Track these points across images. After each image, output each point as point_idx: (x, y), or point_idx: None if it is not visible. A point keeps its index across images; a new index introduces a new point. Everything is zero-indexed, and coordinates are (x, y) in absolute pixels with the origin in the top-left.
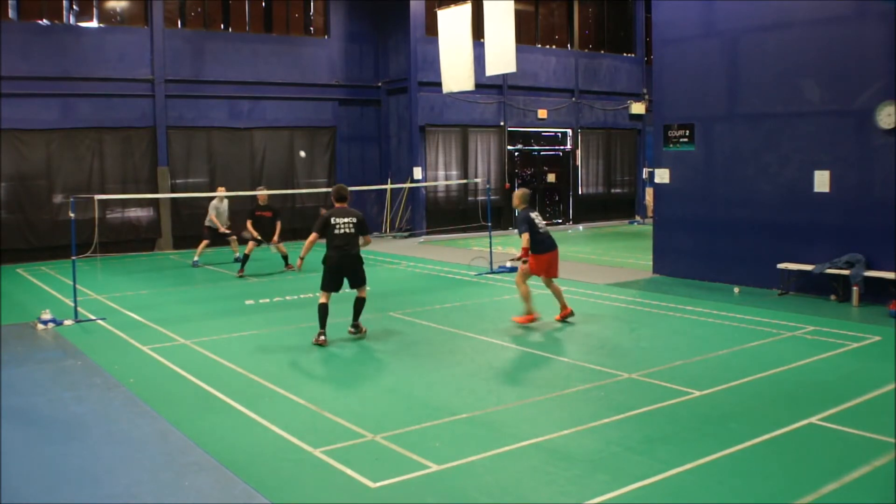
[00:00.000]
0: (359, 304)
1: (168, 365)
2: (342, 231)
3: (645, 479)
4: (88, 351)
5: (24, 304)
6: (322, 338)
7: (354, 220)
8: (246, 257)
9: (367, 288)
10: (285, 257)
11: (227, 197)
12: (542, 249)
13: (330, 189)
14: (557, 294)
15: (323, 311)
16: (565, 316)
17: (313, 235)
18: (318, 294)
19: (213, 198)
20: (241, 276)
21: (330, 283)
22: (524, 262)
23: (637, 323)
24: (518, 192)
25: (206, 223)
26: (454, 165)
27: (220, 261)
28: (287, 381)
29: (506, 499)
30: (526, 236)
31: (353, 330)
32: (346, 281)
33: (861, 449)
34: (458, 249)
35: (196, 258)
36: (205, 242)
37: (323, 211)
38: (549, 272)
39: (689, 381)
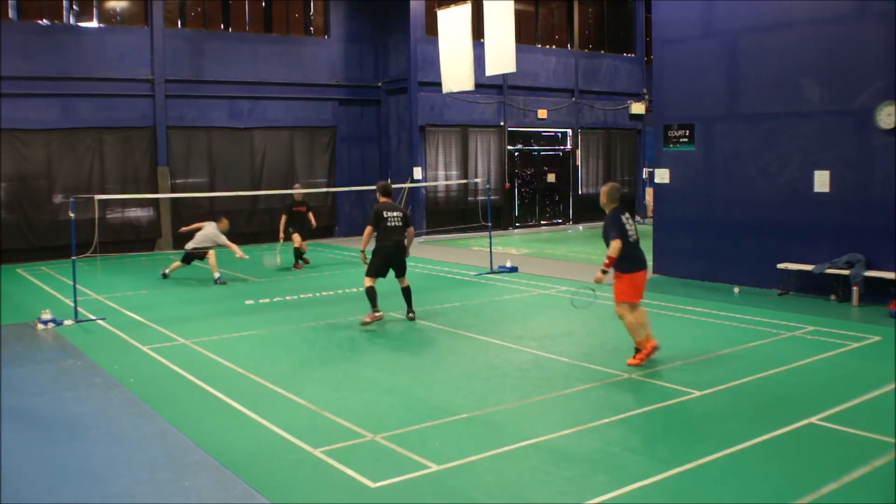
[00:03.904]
0: (408, 293)
1: (168, 365)
2: (392, 224)
3: (645, 479)
4: (88, 351)
5: (24, 304)
6: (378, 314)
7: (401, 214)
8: (297, 251)
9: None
10: (301, 254)
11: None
12: (632, 266)
13: (330, 189)
14: (643, 324)
15: (372, 293)
16: (648, 354)
17: (369, 229)
18: (319, 294)
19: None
20: (298, 268)
21: (379, 271)
22: (604, 272)
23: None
24: (605, 188)
25: (190, 246)
26: (454, 165)
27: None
28: (287, 381)
29: (506, 499)
30: (617, 244)
31: (412, 315)
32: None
33: (861, 449)
34: (458, 249)
35: (167, 271)
36: (179, 264)
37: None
38: (638, 295)
39: (689, 381)
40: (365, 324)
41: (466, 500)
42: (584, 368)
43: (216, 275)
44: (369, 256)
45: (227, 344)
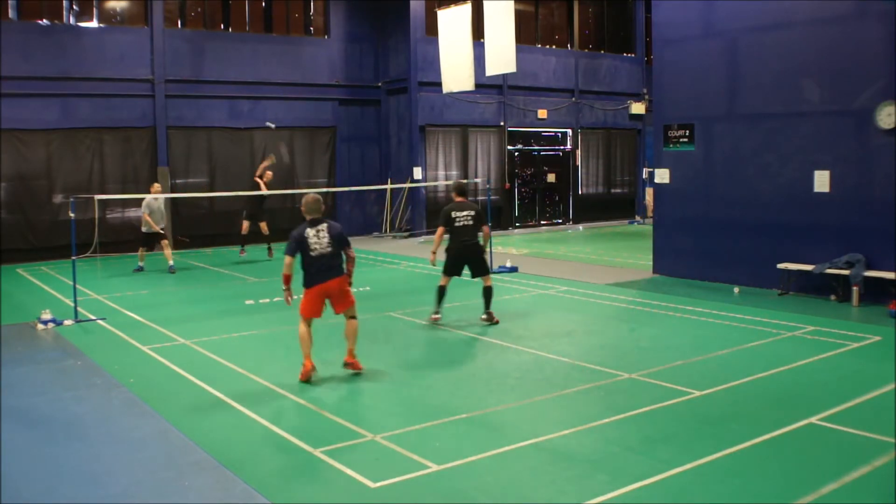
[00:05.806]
0: (487, 293)
1: (168, 365)
2: (461, 224)
3: (645, 479)
4: (88, 351)
5: (24, 304)
6: (436, 315)
7: (473, 213)
8: (244, 237)
9: (491, 276)
10: (245, 240)
11: (160, 196)
12: (312, 281)
13: (330, 189)
14: (349, 334)
15: (441, 292)
16: (351, 365)
17: (441, 230)
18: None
19: (144, 198)
20: (243, 255)
21: (452, 269)
22: (285, 290)
23: (637, 323)
24: (305, 199)
25: (143, 228)
26: (454, 165)
27: (219, 261)
28: (287, 381)
29: (506, 499)
30: (287, 261)
31: (485, 317)
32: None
33: (861, 449)
34: None
35: (140, 263)
36: (142, 249)
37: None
38: (335, 307)
39: (689, 381)
40: (433, 321)
41: (466, 500)
42: (584, 368)
43: (171, 263)
44: (438, 261)
45: (227, 344)
